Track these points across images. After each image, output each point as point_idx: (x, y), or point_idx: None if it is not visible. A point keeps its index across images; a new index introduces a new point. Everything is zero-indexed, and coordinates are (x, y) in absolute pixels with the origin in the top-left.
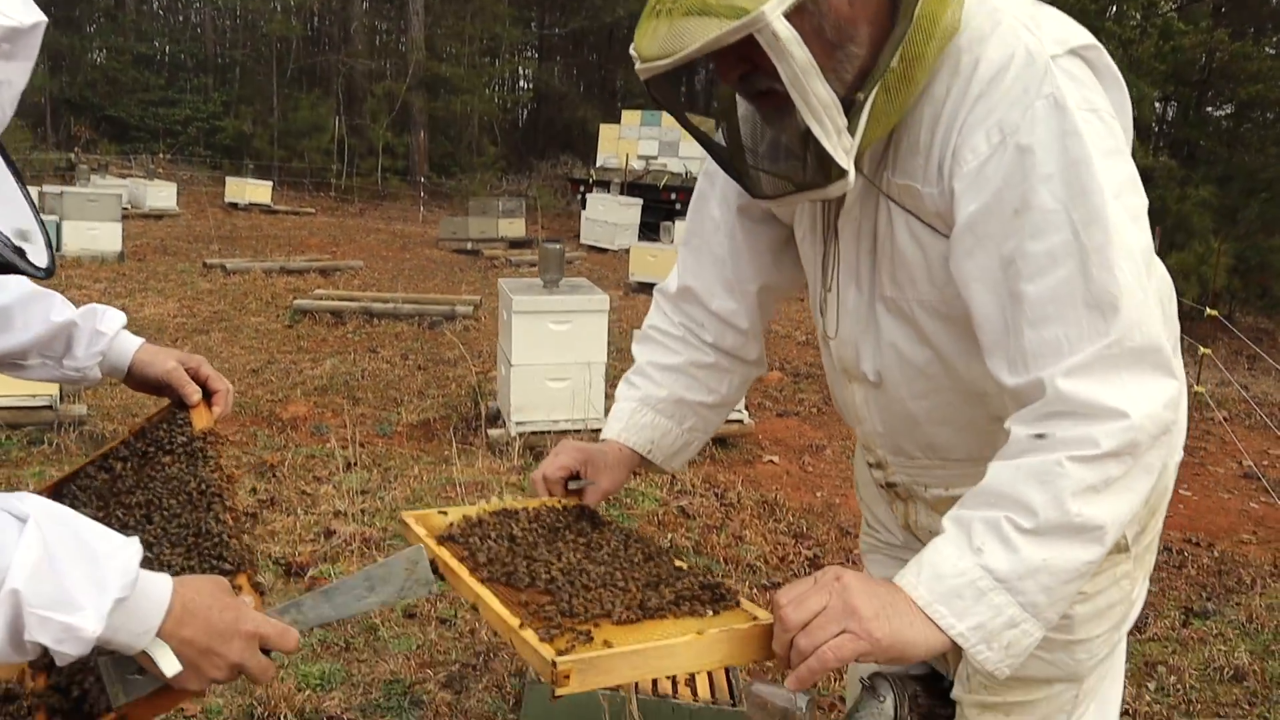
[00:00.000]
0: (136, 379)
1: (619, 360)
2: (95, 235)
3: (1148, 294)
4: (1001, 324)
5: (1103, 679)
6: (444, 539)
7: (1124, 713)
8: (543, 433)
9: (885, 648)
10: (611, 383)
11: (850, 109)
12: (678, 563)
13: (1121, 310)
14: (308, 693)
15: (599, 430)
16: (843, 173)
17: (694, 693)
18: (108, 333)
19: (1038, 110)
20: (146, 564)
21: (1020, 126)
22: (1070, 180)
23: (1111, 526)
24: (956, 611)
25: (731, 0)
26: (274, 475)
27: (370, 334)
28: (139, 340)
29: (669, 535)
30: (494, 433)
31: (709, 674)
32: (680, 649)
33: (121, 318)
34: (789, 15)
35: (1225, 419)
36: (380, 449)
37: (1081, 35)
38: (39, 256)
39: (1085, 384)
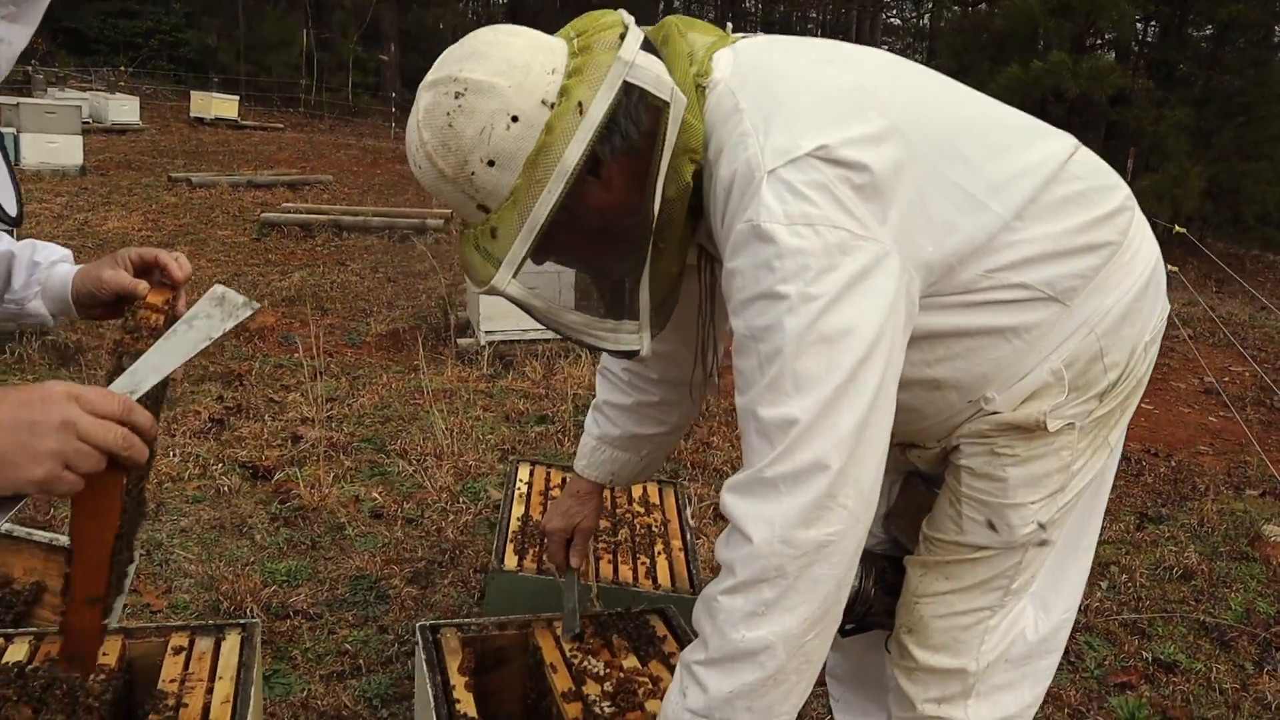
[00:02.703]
0: (84, 302)
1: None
2: (55, 148)
3: (822, 422)
4: None
5: (1050, 548)
6: None
7: None
8: (512, 341)
9: None
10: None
11: (634, 286)
12: None
13: (784, 440)
14: (274, 588)
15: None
16: (634, 352)
17: (654, 582)
18: (43, 262)
19: (737, 236)
20: None
21: (732, 251)
22: (757, 313)
23: (780, 641)
24: None
25: (490, 251)
26: (241, 384)
27: (339, 247)
28: (76, 267)
29: None
30: (463, 342)
31: (670, 564)
32: None
33: (62, 251)
34: (544, 240)
35: (1190, 337)
36: (349, 359)
37: (823, 134)
38: (8, 203)
39: (737, 501)
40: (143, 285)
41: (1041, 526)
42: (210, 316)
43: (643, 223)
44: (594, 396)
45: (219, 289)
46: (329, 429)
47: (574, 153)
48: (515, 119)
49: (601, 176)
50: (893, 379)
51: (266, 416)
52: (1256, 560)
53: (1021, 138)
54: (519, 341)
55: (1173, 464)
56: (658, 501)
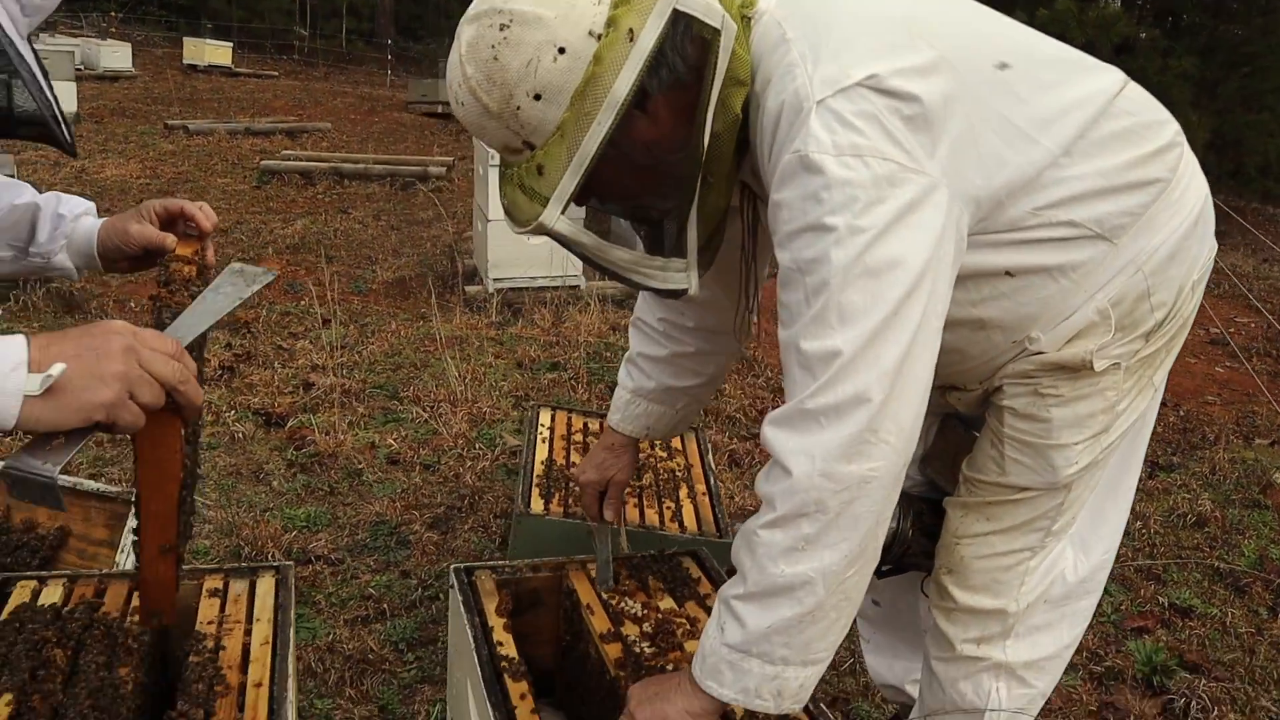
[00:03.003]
0: (110, 256)
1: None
2: None
3: (865, 355)
4: None
5: (1091, 489)
6: None
7: None
8: (521, 289)
9: None
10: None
11: (681, 223)
12: None
13: (829, 371)
14: (294, 533)
15: (577, 286)
16: (682, 291)
17: (681, 526)
18: (68, 215)
19: (785, 167)
20: None
21: (779, 182)
22: (804, 245)
23: (820, 577)
24: (722, 683)
25: (536, 188)
26: (249, 331)
27: (341, 195)
28: (100, 220)
29: None
30: (471, 289)
31: (695, 508)
32: None
33: (86, 203)
34: (590, 178)
35: None
36: (356, 306)
37: (873, 63)
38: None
39: (778, 434)
40: (170, 239)
41: (1084, 468)
42: (235, 284)
43: (691, 157)
44: (604, 343)
45: (236, 265)
46: (340, 376)
47: (624, 82)
48: (562, 50)
49: (649, 110)
50: (938, 314)
51: (276, 364)
52: (1269, 508)
53: (1070, 72)
54: (527, 289)
55: (1181, 413)
56: (680, 446)
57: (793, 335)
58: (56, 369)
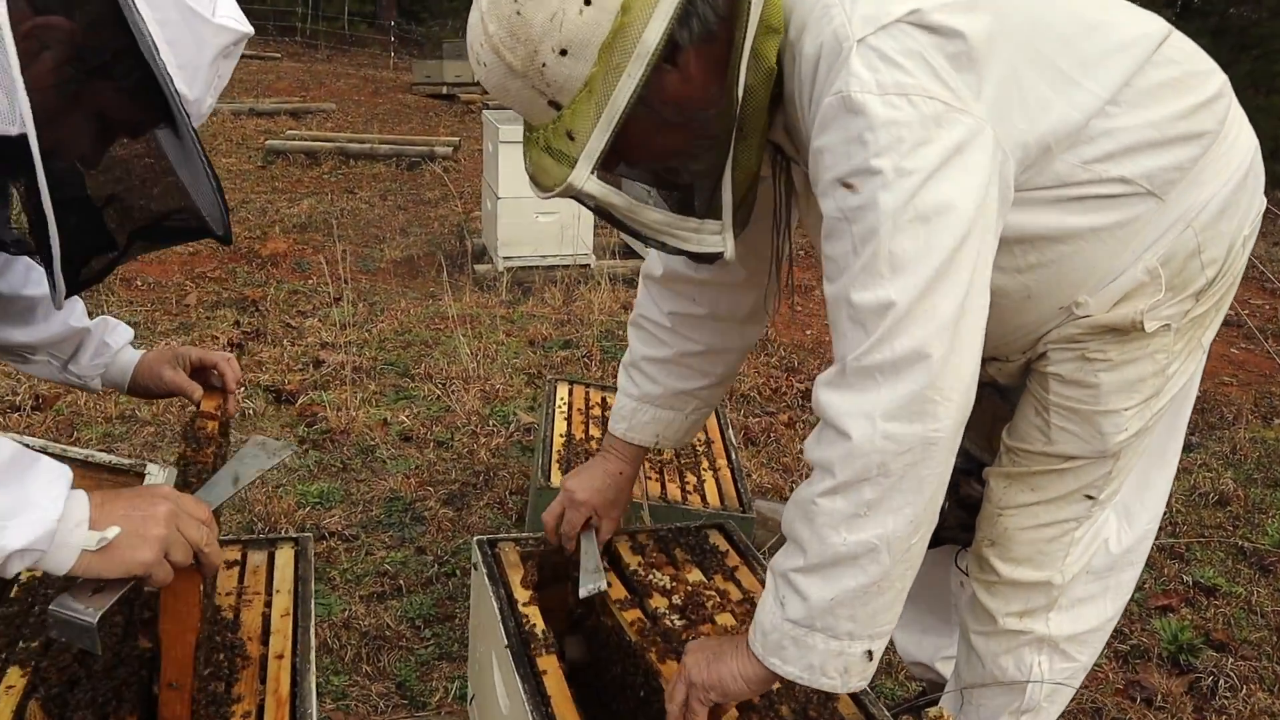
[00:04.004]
0: (140, 388)
1: None
2: None
3: (920, 306)
4: None
5: (1140, 455)
6: None
7: None
8: (531, 268)
9: (707, 687)
10: (600, 222)
11: (715, 183)
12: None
13: (883, 324)
14: (307, 509)
15: (587, 265)
16: (717, 255)
17: (703, 500)
18: (114, 345)
19: (826, 111)
20: None
21: (820, 128)
22: (849, 191)
23: (884, 544)
24: (785, 659)
25: (563, 150)
26: (257, 309)
27: (347, 175)
28: (138, 354)
29: None
30: (480, 268)
31: (718, 483)
32: None
33: (129, 332)
34: (619, 138)
35: None
36: (364, 285)
37: None
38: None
39: (831, 397)
40: (198, 391)
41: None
42: (257, 456)
43: (725, 113)
44: (616, 321)
45: (258, 438)
46: (350, 353)
47: (654, 31)
48: (588, 2)
49: (679, 64)
50: (988, 265)
51: (285, 341)
52: None
53: (1113, 13)
54: (537, 268)
55: (1199, 394)
56: None
57: (841, 288)
58: (112, 532)
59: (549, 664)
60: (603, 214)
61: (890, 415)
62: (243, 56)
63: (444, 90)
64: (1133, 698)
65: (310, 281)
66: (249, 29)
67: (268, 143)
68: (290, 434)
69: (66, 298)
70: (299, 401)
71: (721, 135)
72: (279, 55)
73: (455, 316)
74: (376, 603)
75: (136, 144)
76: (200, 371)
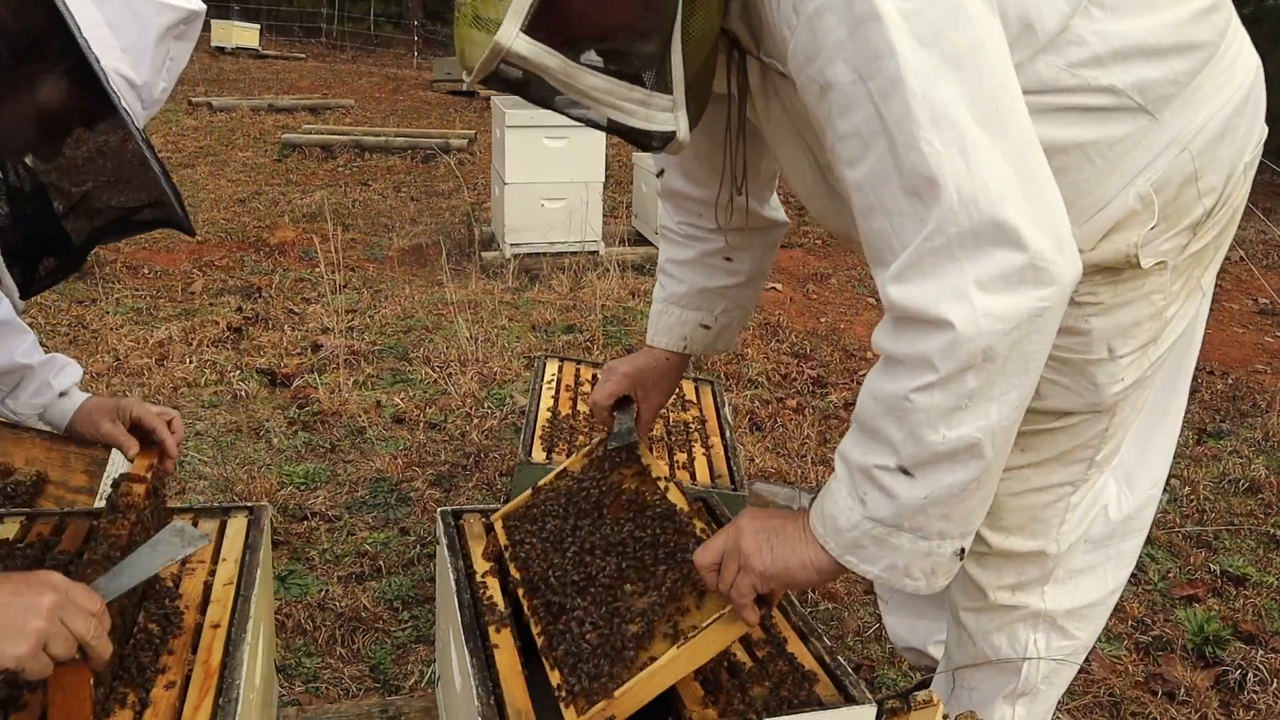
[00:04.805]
0: (77, 434)
1: (616, 192)
2: None
3: (977, 159)
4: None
5: (1139, 412)
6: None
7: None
8: (538, 254)
9: (771, 576)
10: (609, 209)
11: (663, 51)
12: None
13: (941, 191)
14: (291, 489)
15: (596, 252)
16: (670, 135)
17: (692, 477)
18: (56, 387)
19: None
20: None
21: None
22: (861, 45)
23: (987, 436)
24: (865, 559)
25: (491, 15)
26: (260, 296)
27: (361, 168)
28: (80, 398)
29: None
30: (488, 255)
31: (709, 461)
32: (667, 668)
33: (77, 374)
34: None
35: (1242, 258)
36: (371, 273)
37: None
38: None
39: (911, 289)
40: (134, 449)
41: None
42: (172, 544)
43: None
44: (623, 307)
45: (178, 523)
46: (350, 338)
47: None
48: None
49: None
50: (1022, 101)
51: (286, 327)
52: None
53: None
54: (545, 255)
55: (1230, 381)
56: (694, 398)
57: (877, 161)
58: None
59: (503, 639)
60: (538, 92)
61: (988, 289)
62: (266, 57)
63: (464, 86)
64: (1154, 691)
65: (316, 269)
66: (198, 7)
67: (283, 136)
68: (281, 415)
69: (23, 298)
70: (294, 384)
71: None
72: (304, 56)
73: (456, 302)
74: (354, 584)
75: (82, 134)
76: (140, 428)
